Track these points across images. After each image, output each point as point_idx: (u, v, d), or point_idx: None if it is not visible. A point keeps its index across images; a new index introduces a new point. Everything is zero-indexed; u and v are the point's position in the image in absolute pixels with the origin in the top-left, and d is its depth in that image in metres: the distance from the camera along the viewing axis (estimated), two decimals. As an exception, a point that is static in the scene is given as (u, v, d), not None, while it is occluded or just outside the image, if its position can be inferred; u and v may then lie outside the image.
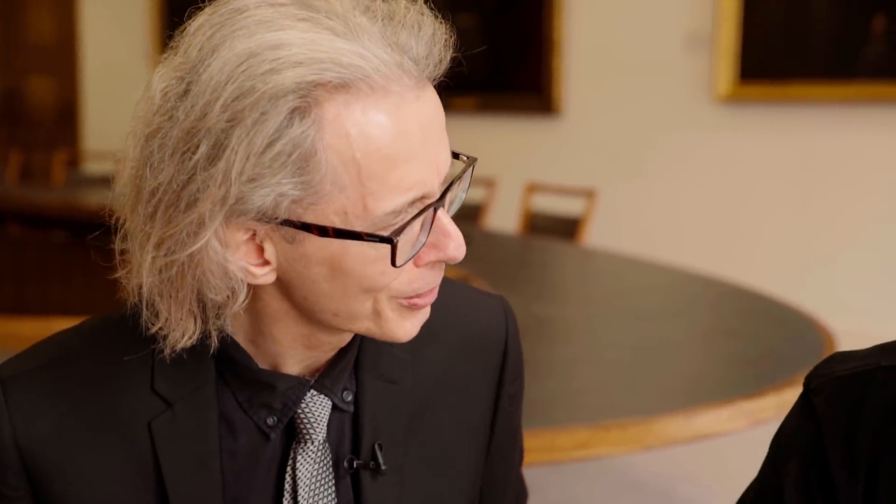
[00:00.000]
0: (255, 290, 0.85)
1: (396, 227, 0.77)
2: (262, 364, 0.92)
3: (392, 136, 0.76)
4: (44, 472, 0.90)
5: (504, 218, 4.81)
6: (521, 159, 5.42)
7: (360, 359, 0.97)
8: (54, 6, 7.99)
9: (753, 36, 4.75)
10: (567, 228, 4.36)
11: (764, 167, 4.89)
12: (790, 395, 1.97)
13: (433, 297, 0.88)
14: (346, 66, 0.73)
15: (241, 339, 0.92)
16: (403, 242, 0.78)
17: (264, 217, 0.77)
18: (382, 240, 0.77)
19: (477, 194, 4.68)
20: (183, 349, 0.87)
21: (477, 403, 1.06)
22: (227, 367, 0.92)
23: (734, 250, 4.62)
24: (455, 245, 0.82)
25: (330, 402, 0.95)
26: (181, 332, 0.82)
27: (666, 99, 5.05)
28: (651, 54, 5.06)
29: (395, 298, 0.84)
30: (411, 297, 0.85)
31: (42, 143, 7.60)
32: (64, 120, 7.98)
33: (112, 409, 0.91)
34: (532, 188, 4.65)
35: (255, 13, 0.76)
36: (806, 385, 0.94)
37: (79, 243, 4.74)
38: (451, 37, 0.82)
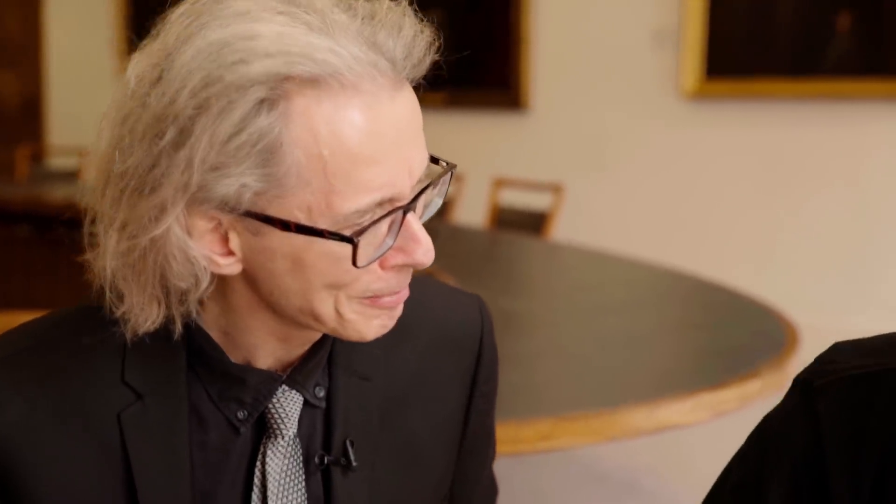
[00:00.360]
0: (226, 282, 0.85)
1: (361, 227, 0.76)
2: (235, 358, 0.91)
3: (362, 135, 0.75)
4: (11, 460, 0.88)
5: (471, 213, 4.80)
6: (488, 154, 5.38)
7: (333, 355, 0.96)
8: (18, 2, 7.91)
9: (719, 32, 4.77)
10: (534, 223, 4.36)
11: (729, 163, 4.91)
12: (753, 388, 2.03)
13: (400, 298, 0.86)
14: (317, 61, 0.73)
15: (214, 332, 0.91)
16: (367, 243, 0.77)
17: (227, 207, 0.77)
18: (343, 239, 0.76)
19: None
20: (155, 340, 0.88)
21: (450, 401, 1.04)
22: (198, 360, 0.91)
23: (699, 245, 4.61)
24: (423, 251, 0.80)
25: (301, 398, 0.94)
26: (144, 318, 0.82)
27: (633, 95, 5.06)
28: (618, 50, 5.08)
29: (356, 298, 0.83)
30: (373, 298, 0.83)
31: (5, 138, 7.37)
32: (28, 115, 7.92)
33: (81, 400, 0.90)
34: (499, 183, 4.65)
35: (233, 4, 0.76)
36: (806, 382, 0.88)
37: (43, 238, 4.72)
38: (434, 40, 0.80)
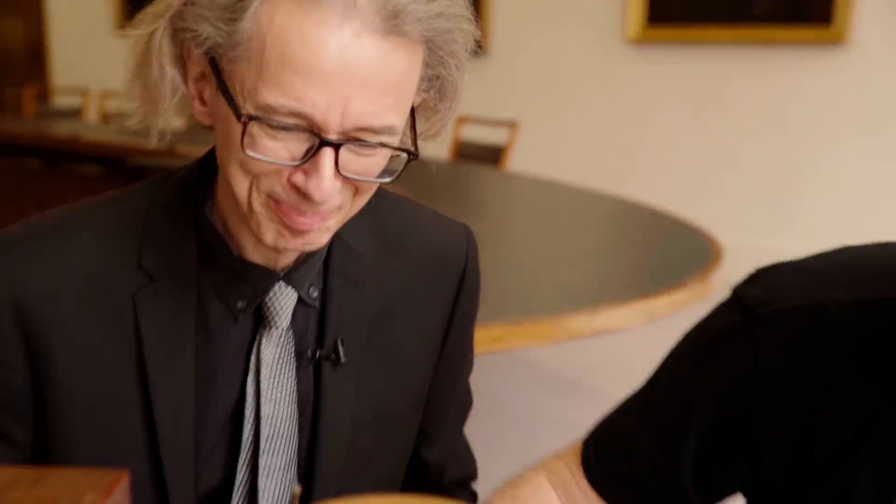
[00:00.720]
0: (221, 157, 0.84)
1: (264, 120, 0.74)
2: (236, 247, 0.90)
3: (301, 43, 0.73)
4: (36, 325, 0.89)
5: (435, 146, 4.78)
6: None
7: (329, 261, 0.95)
8: None
9: None
10: (492, 156, 4.31)
11: (668, 102, 4.81)
12: (681, 297, 2.02)
13: (300, 222, 0.81)
14: None
15: (218, 220, 0.90)
16: (266, 141, 0.75)
17: (202, 46, 0.77)
18: (238, 116, 0.74)
19: None
20: (170, 233, 0.89)
21: (434, 315, 1.04)
22: (207, 253, 0.90)
23: (640, 175, 4.54)
24: (316, 185, 0.76)
25: (296, 295, 0.92)
26: (139, 116, 0.83)
27: (582, 40, 4.93)
28: (565, 2, 5.00)
29: (264, 193, 0.80)
30: (276, 202, 0.80)
31: (13, 80, 7.27)
32: (33, 58, 7.65)
33: (100, 280, 0.89)
34: (461, 120, 4.45)
35: None
36: (750, 308, 0.81)
37: (51, 170, 4.57)
38: (459, 12, 0.76)
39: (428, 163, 1.03)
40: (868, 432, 0.74)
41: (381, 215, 1.02)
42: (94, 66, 6.67)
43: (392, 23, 0.71)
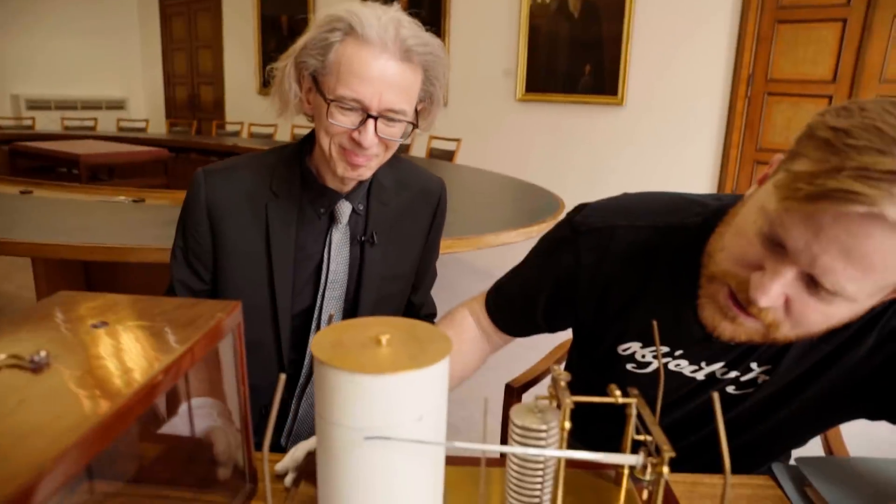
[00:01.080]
0: (315, 129, 0.99)
1: (338, 102, 0.91)
2: (321, 179, 1.05)
3: (358, 61, 0.90)
4: (216, 215, 1.04)
5: (419, 150, 5.41)
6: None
7: (370, 191, 1.10)
8: (210, 51, 8.01)
9: (532, 71, 5.29)
10: (448, 156, 5.04)
11: (538, 134, 5.34)
12: (542, 227, 2.27)
13: (358, 161, 0.97)
14: (364, 27, 0.89)
15: (313, 166, 1.05)
16: (338, 114, 0.91)
17: (308, 71, 0.95)
18: (325, 98, 0.90)
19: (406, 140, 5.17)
20: (287, 170, 1.04)
21: (422, 223, 1.18)
22: (305, 182, 1.05)
23: (524, 170, 4.49)
24: (364, 138, 0.92)
25: (350, 207, 1.06)
26: (274, 106, 1.01)
27: (494, 100, 5.53)
28: (487, 79, 5.53)
29: (336, 145, 0.96)
30: (345, 150, 0.96)
31: (206, 118, 8.00)
32: (216, 107, 8.12)
33: (251, 195, 1.05)
34: (432, 137, 5.21)
35: (372, 3, 0.93)
36: (575, 227, 0.89)
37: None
38: (441, 54, 0.96)
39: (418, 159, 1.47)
40: (637, 297, 0.86)
41: (398, 167, 1.14)
42: (246, 111, 7.47)
43: (406, 55, 0.90)
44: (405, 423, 0.57)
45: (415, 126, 0.98)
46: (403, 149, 5.16)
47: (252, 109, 7.10)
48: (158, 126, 8.33)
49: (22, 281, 3.85)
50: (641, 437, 0.67)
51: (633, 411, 0.67)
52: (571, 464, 0.78)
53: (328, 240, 1.08)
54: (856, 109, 0.60)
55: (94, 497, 0.60)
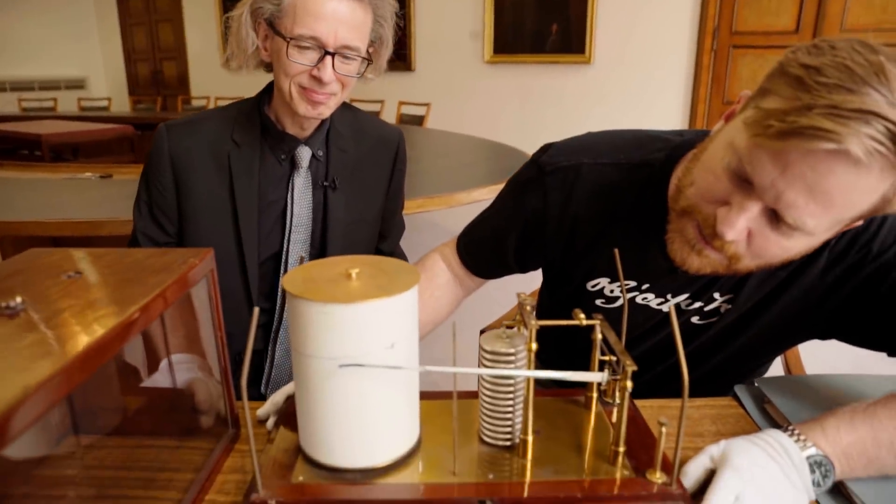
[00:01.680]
0: (274, 75, 1.03)
1: (297, 42, 0.95)
2: (281, 126, 1.08)
3: (312, 3, 0.95)
4: (180, 166, 1.07)
5: (390, 118, 5.30)
6: (397, 94, 5.59)
7: (328, 137, 1.13)
8: (171, 25, 7.81)
9: (499, 33, 5.29)
10: (418, 121, 5.09)
11: (505, 93, 5.36)
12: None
13: (318, 98, 1.01)
14: None
15: (272, 114, 1.09)
16: (297, 53, 0.96)
17: (264, 17, 0.99)
18: (284, 38, 0.95)
19: (376, 107, 5.31)
20: (247, 119, 1.07)
21: (383, 171, 1.22)
22: (265, 128, 1.08)
23: (490, 130, 4.46)
24: (323, 73, 0.97)
25: (310, 152, 1.10)
26: (229, 57, 1.05)
27: (463, 62, 5.55)
28: (456, 41, 5.54)
29: (297, 85, 1.00)
30: (305, 89, 1.00)
31: (171, 93, 7.75)
32: (180, 83, 7.96)
33: (214, 145, 1.08)
34: (401, 103, 5.28)
35: None
36: (541, 167, 0.89)
37: None
38: None
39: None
40: (604, 233, 0.87)
41: (355, 116, 1.18)
42: (211, 84, 7.28)
43: None
44: (377, 351, 0.60)
45: (369, 62, 1.02)
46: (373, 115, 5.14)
47: (218, 83, 6.91)
48: (122, 104, 8.11)
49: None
50: (607, 358, 0.70)
51: (598, 335, 0.71)
52: (543, 392, 0.81)
53: (290, 185, 1.11)
54: (826, 48, 0.61)
55: (79, 449, 0.61)
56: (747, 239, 0.70)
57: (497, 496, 0.62)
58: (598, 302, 0.94)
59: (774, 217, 0.66)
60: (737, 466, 0.61)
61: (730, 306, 0.87)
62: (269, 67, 1.07)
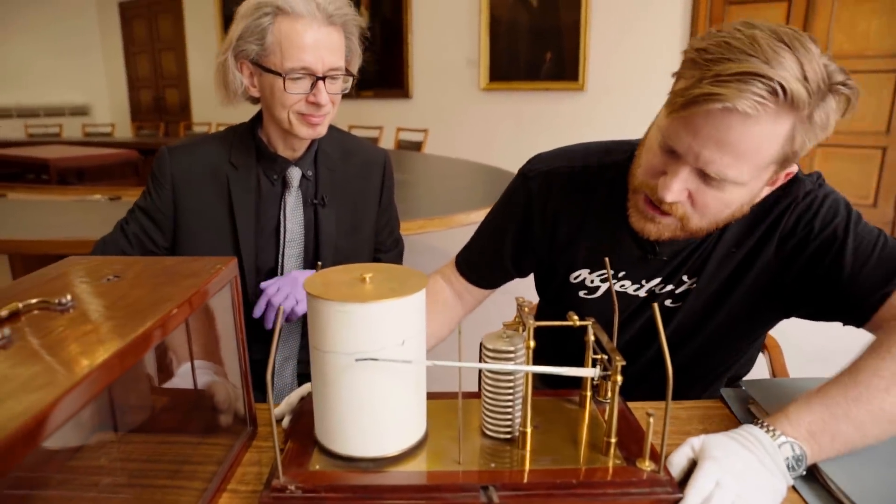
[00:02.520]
0: (264, 109, 1.08)
1: (291, 76, 1.00)
2: (272, 150, 1.12)
3: (296, 36, 0.99)
4: (180, 186, 1.12)
5: (388, 144, 5.50)
6: (395, 119, 5.84)
7: (317, 159, 1.17)
8: (174, 53, 7.88)
9: (494, 61, 5.42)
10: (416, 147, 5.18)
11: (501, 119, 5.48)
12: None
13: (316, 120, 1.06)
14: (290, 4, 0.99)
15: (265, 136, 1.13)
16: (294, 85, 1.01)
17: (249, 58, 1.03)
18: (280, 75, 0.99)
19: (374, 133, 5.42)
20: (243, 143, 1.11)
21: (373, 187, 1.26)
22: (259, 151, 1.13)
23: (486, 155, 4.38)
24: (319, 97, 1.01)
25: (300, 172, 1.14)
26: (221, 100, 1.09)
27: (460, 89, 5.70)
28: (453, 68, 5.68)
29: (295, 113, 1.05)
30: (303, 115, 1.05)
31: (174, 120, 7.91)
32: (182, 110, 8.08)
33: (213, 167, 1.12)
34: (399, 130, 5.43)
35: None
36: (524, 173, 1.00)
37: None
38: (352, 13, 1.04)
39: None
40: (581, 227, 0.97)
41: (342, 137, 1.21)
42: (212, 111, 7.27)
43: (329, 19, 1.00)
44: (390, 347, 0.65)
45: (353, 76, 1.08)
46: (372, 142, 5.14)
47: (218, 110, 6.61)
48: (124, 130, 8.24)
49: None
50: (598, 357, 0.76)
51: (591, 336, 0.76)
52: (541, 392, 0.86)
53: (283, 203, 1.15)
54: (713, 32, 0.74)
55: (111, 443, 0.65)
56: (690, 200, 0.80)
57: (498, 482, 0.67)
58: (582, 293, 1.01)
59: (704, 175, 0.76)
60: (716, 457, 0.66)
61: (696, 286, 0.95)
62: (255, 101, 1.12)
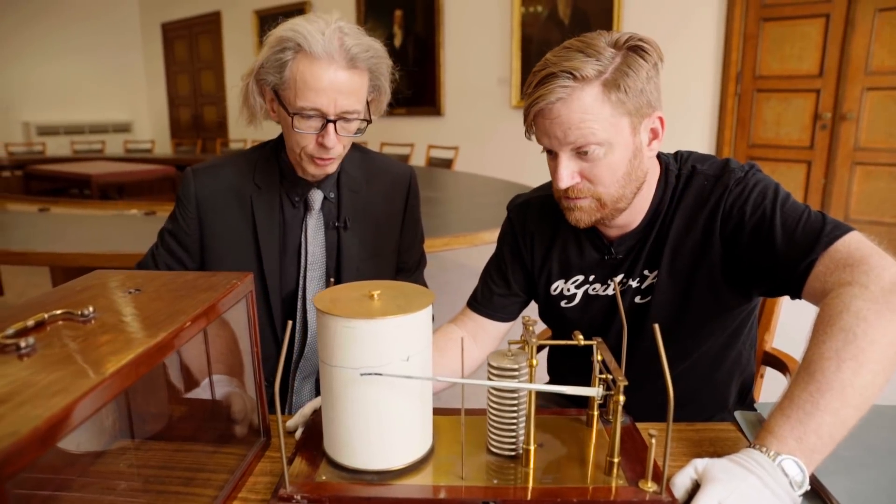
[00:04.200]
0: (285, 133, 1.09)
1: (301, 113, 1.01)
2: (296, 171, 1.14)
3: (313, 77, 0.99)
4: (204, 208, 1.14)
5: (419, 161, 5.60)
6: (426, 136, 5.87)
7: (339, 180, 1.19)
8: (213, 72, 8.05)
9: (526, 78, 5.15)
10: (446, 164, 5.19)
11: (532, 142, 5.06)
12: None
13: (324, 163, 1.08)
14: (310, 43, 0.98)
15: (288, 159, 1.15)
16: (302, 123, 1.02)
17: (269, 85, 1.05)
18: (289, 113, 1.01)
19: (406, 150, 5.48)
20: (266, 164, 1.14)
21: (397, 207, 1.27)
22: (283, 173, 1.15)
23: (517, 171, 4.68)
24: (327, 140, 1.02)
25: (322, 195, 1.16)
26: (246, 121, 1.12)
27: (491, 106, 5.71)
28: (484, 86, 5.70)
29: (306, 154, 1.07)
30: (311, 155, 1.07)
31: (211, 137, 8.05)
32: (220, 127, 8.25)
33: (237, 188, 1.15)
34: (430, 147, 5.47)
35: (312, 17, 1.01)
36: (507, 210, 1.17)
37: None
38: (382, 54, 1.06)
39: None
40: (552, 242, 1.10)
41: (364, 157, 1.24)
42: (248, 129, 7.59)
43: (351, 62, 0.99)
44: (395, 363, 0.68)
45: (368, 121, 1.08)
46: (403, 158, 5.32)
47: (255, 127, 7.24)
48: (164, 147, 8.46)
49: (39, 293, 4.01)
50: (603, 376, 0.77)
51: (597, 356, 0.78)
52: (547, 410, 0.88)
53: (304, 225, 1.17)
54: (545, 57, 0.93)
55: (130, 450, 0.70)
56: (584, 177, 0.93)
57: (500, 499, 0.68)
58: (562, 304, 1.10)
59: (578, 153, 0.91)
60: (719, 479, 0.66)
61: (658, 279, 1.01)
62: (279, 122, 1.14)
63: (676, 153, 1.05)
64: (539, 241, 1.10)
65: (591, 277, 1.07)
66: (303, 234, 1.16)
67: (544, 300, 1.13)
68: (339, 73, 1.00)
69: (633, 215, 1.01)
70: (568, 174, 0.92)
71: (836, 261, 0.82)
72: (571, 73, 0.87)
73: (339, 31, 1.01)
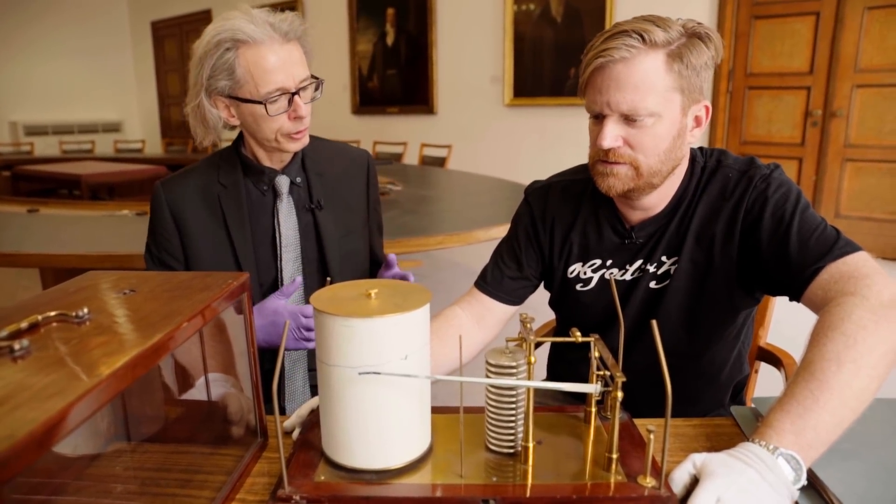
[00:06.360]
0: (244, 131, 1.14)
1: (269, 99, 1.05)
2: (259, 162, 1.18)
3: (263, 61, 1.03)
4: (177, 212, 1.18)
5: (412, 159, 5.66)
6: (419, 135, 5.92)
7: (305, 164, 1.22)
8: None
9: (518, 77, 5.44)
10: (439, 162, 5.23)
11: (525, 136, 5.50)
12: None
13: (300, 135, 1.12)
14: (245, 33, 1.02)
15: (249, 153, 1.19)
16: (274, 106, 1.06)
17: (223, 94, 1.07)
18: (260, 102, 1.04)
19: (399, 149, 5.49)
20: (229, 162, 1.18)
21: (360, 187, 1.31)
22: (245, 166, 1.19)
23: (510, 168, 4.83)
24: (301, 110, 1.08)
25: (289, 180, 1.20)
26: (201, 139, 1.13)
27: (484, 105, 5.76)
28: (478, 84, 5.74)
29: (281, 132, 1.11)
30: (289, 134, 1.11)
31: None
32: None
33: (204, 189, 1.18)
34: (423, 146, 5.47)
35: (224, 14, 1.04)
36: (526, 194, 1.18)
37: None
38: (300, 20, 1.07)
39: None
40: (572, 225, 1.11)
41: (322, 144, 1.27)
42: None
43: (286, 36, 1.05)
44: (393, 361, 0.67)
45: (319, 80, 1.13)
46: (396, 157, 5.42)
47: (219, 143, 7.13)
48: (154, 146, 8.41)
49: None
50: (602, 373, 0.77)
51: (595, 353, 0.78)
52: (545, 408, 0.88)
53: (276, 210, 1.20)
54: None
55: (125, 452, 0.69)
56: (628, 145, 0.95)
57: (500, 496, 0.68)
58: (578, 287, 1.11)
59: (626, 120, 0.93)
60: (718, 473, 0.67)
61: (676, 266, 1.03)
62: (233, 128, 1.18)
63: (702, 147, 1.07)
64: (559, 223, 1.12)
65: (609, 262, 1.08)
66: (275, 218, 1.19)
67: (560, 283, 1.14)
68: (282, 48, 1.04)
69: (659, 199, 1.03)
70: (612, 136, 0.93)
71: (842, 272, 0.86)
72: (641, 35, 0.90)
73: (259, 15, 1.05)
